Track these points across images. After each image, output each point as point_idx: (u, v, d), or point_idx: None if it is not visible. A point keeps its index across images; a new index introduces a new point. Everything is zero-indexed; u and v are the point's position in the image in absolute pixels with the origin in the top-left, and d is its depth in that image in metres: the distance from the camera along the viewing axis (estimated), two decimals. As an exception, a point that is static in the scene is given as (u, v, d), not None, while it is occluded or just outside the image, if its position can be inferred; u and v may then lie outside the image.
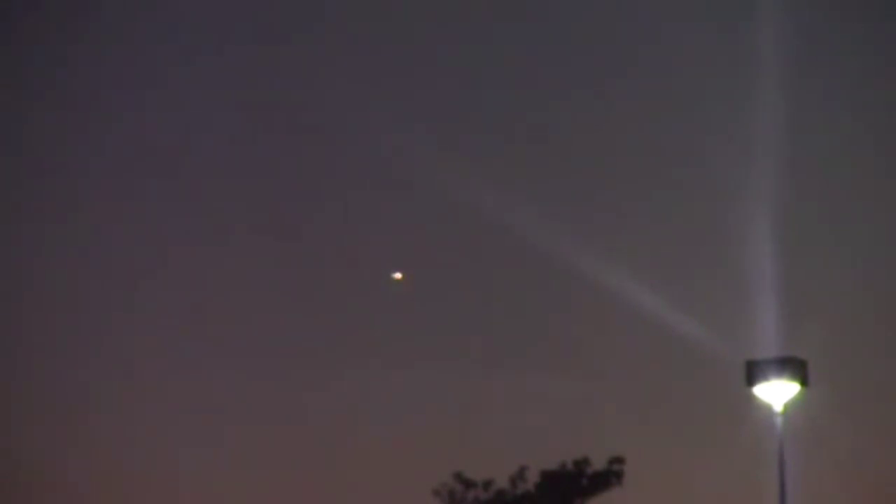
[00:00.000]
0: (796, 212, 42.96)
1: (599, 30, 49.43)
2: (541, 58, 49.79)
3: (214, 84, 50.38)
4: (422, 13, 49.48)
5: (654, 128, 48.11)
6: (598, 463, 39.61)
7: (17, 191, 48.30)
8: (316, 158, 50.75)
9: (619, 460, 39.44)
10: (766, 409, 31.52)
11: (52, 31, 48.72)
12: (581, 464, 39.67)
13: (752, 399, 31.70)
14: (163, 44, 49.81)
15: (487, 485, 40.17)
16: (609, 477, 39.44)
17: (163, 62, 49.88)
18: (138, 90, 49.99)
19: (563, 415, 42.99)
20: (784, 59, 43.46)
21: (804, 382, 31.34)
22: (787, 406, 31.26)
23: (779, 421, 31.16)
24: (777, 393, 31.16)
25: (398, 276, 48.04)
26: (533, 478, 39.97)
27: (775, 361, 31.29)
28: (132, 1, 49.88)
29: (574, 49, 49.32)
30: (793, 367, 31.16)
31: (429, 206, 48.88)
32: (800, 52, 44.75)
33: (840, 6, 45.68)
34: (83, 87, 49.30)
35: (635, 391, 43.75)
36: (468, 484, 40.20)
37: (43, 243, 48.10)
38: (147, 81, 49.93)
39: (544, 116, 49.46)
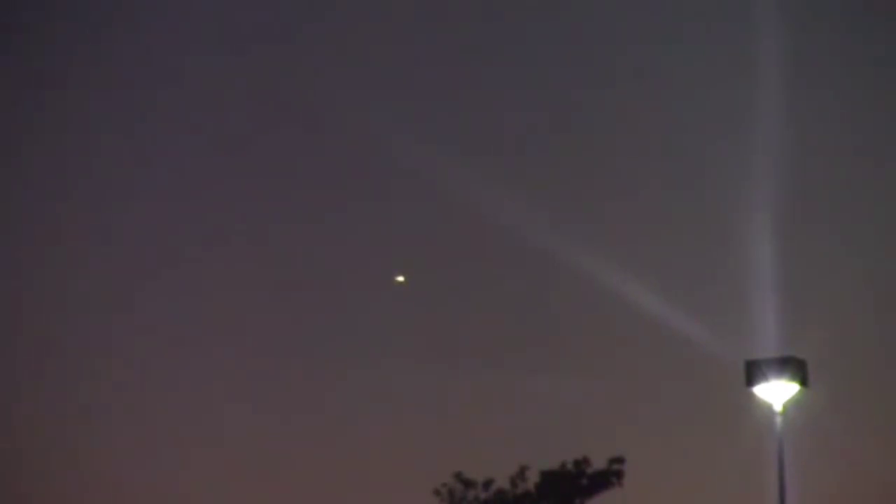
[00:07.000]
0: (796, 212, 43.01)
1: (600, 31, 49.55)
2: (542, 59, 49.89)
3: (215, 85, 50.50)
4: (423, 14, 49.61)
5: (654, 128, 48.22)
6: (598, 463, 39.64)
7: (18, 191, 48.46)
8: (316, 160, 50.91)
9: (619, 460, 39.40)
10: (766, 409, 31.54)
11: (56, 30, 48.87)
12: (581, 464, 39.65)
13: (751, 399, 31.72)
14: (170, 43, 49.97)
15: (487, 484, 40.18)
16: (609, 477, 39.41)
17: (170, 62, 50.05)
18: (141, 89, 50.13)
19: (563, 415, 43.03)
20: (785, 59, 43.53)
21: (804, 382, 31.35)
22: (786, 406, 31.27)
23: (778, 421, 31.17)
24: (777, 393, 31.17)
25: (401, 279, 48.13)
26: (533, 478, 39.99)
27: (775, 361, 31.30)
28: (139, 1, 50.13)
29: (575, 50, 49.43)
30: (793, 367, 31.16)
31: (429, 207, 48.99)
32: (801, 53, 44.84)
33: (840, 6, 45.73)
34: (85, 86, 49.38)
35: (635, 391, 43.80)
36: (468, 484, 40.20)
37: (43, 244, 48.19)
38: (151, 81, 50.08)
39: (545, 117, 49.58)
